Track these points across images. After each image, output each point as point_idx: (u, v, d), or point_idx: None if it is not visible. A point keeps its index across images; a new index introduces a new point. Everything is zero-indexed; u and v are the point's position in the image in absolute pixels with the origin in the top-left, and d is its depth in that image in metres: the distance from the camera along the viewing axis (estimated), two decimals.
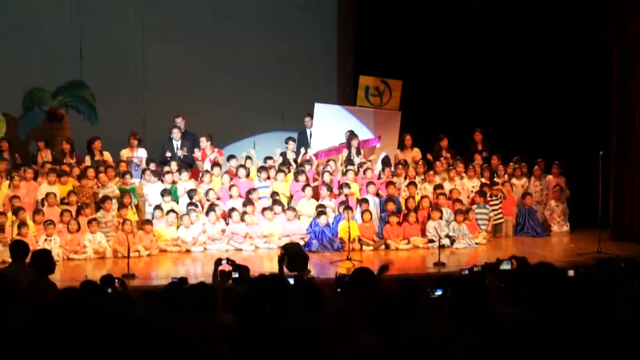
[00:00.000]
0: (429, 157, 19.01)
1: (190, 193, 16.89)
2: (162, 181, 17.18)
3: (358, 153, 18.30)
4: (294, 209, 16.76)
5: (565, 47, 19.40)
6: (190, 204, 16.67)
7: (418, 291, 6.43)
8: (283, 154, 18.44)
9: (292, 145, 18.52)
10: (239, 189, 17.15)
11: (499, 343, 4.00)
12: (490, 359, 3.75)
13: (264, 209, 16.70)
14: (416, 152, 19.05)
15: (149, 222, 16.09)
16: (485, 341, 3.99)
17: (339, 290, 7.81)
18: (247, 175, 17.64)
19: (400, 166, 18.29)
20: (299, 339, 4.73)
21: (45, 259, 9.16)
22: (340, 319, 5.53)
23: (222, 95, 20.50)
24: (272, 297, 5.73)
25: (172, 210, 16.46)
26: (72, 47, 19.39)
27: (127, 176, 16.86)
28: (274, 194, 17.22)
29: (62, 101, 18.79)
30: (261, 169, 17.80)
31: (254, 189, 17.14)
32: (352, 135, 18.36)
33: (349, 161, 17.94)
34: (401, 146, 19.09)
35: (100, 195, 16.30)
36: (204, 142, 18.12)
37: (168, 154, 17.93)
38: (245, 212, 16.50)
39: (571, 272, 8.03)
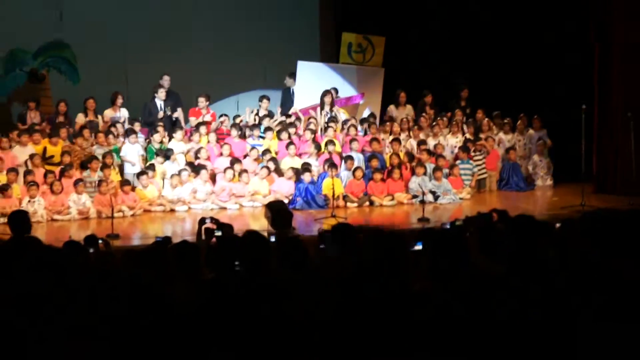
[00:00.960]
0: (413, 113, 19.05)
1: (168, 153, 16.84)
2: (151, 141, 17.12)
3: (331, 110, 18.25)
4: (294, 169, 16.71)
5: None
6: (187, 164, 16.65)
7: (400, 246, 6.43)
8: (256, 113, 18.42)
9: (265, 103, 18.48)
10: (230, 147, 17.12)
11: (478, 297, 4.02)
12: (469, 312, 3.77)
13: (262, 167, 16.69)
14: (409, 109, 19.07)
15: (127, 182, 16.05)
16: (464, 295, 4.01)
17: (322, 246, 7.81)
18: (241, 135, 17.67)
19: (389, 122, 18.33)
20: (276, 295, 4.74)
21: (21, 219, 9.14)
22: (322, 274, 5.55)
23: (204, 55, 20.39)
24: (249, 254, 5.73)
25: (144, 172, 16.38)
26: (52, 7, 19.23)
27: (110, 136, 16.80)
28: (266, 151, 17.20)
29: (43, 62, 18.64)
30: (254, 127, 17.79)
31: (254, 148, 17.15)
32: (325, 92, 18.28)
33: (331, 119, 17.95)
34: (396, 103, 19.07)
35: (93, 154, 16.28)
36: (202, 101, 18.07)
37: (160, 114, 17.83)
38: (244, 170, 16.47)
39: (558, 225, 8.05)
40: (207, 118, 18.03)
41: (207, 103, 18.21)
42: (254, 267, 5.57)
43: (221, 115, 18.20)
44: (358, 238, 6.57)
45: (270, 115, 18.40)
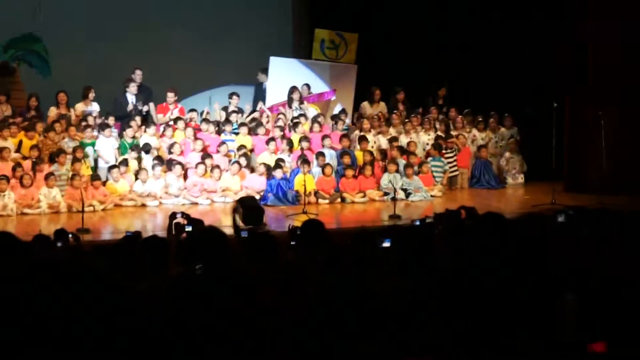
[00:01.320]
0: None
1: (145, 147, 16.80)
2: (122, 136, 17.05)
3: (299, 106, 18.27)
4: (266, 165, 16.69)
5: None
6: (155, 157, 16.59)
7: (370, 242, 6.46)
8: (225, 109, 18.37)
9: (235, 100, 18.45)
10: (203, 142, 17.08)
11: (444, 294, 4.03)
12: (433, 310, 3.78)
13: (233, 162, 16.67)
14: (382, 106, 19.10)
15: (98, 177, 15.98)
16: (429, 292, 4.02)
17: (292, 242, 7.83)
18: (216, 131, 17.64)
19: (362, 119, 18.35)
20: (239, 291, 4.73)
21: None
22: (291, 271, 5.55)
23: (177, 49, 20.33)
24: (209, 249, 5.73)
25: (116, 166, 16.31)
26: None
27: (89, 130, 16.73)
28: (241, 147, 17.18)
29: (13, 54, 18.54)
30: (226, 122, 17.76)
31: (224, 143, 17.12)
32: (292, 89, 18.28)
33: (301, 115, 17.97)
34: (370, 99, 19.08)
35: (62, 148, 16.20)
36: (171, 97, 18.00)
37: (130, 108, 17.74)
38: (216, 166, 16.44)
39: (561, 218, 8.08)
40: (175, 113, 17.97)
41: (176, 98, 18.12)
42: (214, 263, 5.56)
43: (190, 110, 18.11)
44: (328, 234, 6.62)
45: (239, 111, 18.35)
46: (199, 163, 16.48)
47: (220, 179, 16.48)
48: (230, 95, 18.53)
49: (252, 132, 17.65)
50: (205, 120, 17.74)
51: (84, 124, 16.97)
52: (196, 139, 17.15)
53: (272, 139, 17.22)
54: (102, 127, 16.86)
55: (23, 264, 4.99)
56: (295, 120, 17.74)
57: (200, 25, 20.66)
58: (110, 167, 16.25)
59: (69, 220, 14.29)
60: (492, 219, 5.50)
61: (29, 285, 4.18)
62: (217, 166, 16.51)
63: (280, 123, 17.75)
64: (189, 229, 8.89)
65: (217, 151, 17.04)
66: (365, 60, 19.26)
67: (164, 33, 20.22)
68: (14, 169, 15.30)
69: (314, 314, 4.37)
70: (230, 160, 16.87)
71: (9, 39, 18.52)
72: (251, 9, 21.13)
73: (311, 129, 17.79)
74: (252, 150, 17.48)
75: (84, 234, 12.33)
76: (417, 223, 8.45)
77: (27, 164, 15.61)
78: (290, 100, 18.21)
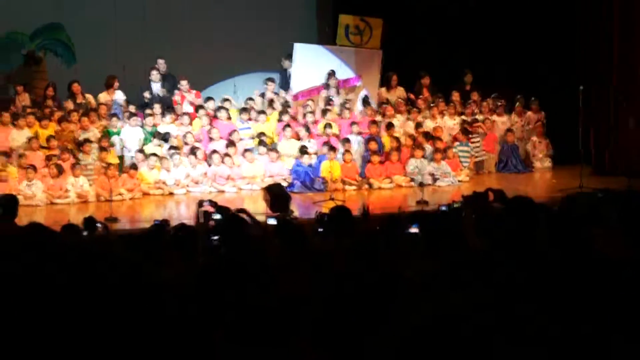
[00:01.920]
0: (411, 96, 18.99)
1: (166, 136, 16.82)
2: (143, 124, 17.10)
3: (337, 92, 18.28)
4: (276, 150, 16.73)
5: None
6: (171, 147, 16.62)
7: (397, 228, 6.45)
8: (262, 95, 18.36)
9: (272, 86, 18.43)
10: (219, 131, 17.10)
11: (474, 278, 4.02)
12: (464, 294, 3.76)
13: (246, 151, 16.68)
14: (400, 91, 19.03)
15: (135, 166, 16.03)
16: (459, 276, 4.01)
17: (320, 229, 7.83)
18: (228, 117, 17.59)
19: (384, 105, 18.30)
20: (269, 277, 4.74)
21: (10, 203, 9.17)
22: (319, 257, 5.55)
23: (200, 37, 20.31)
24: (230, 238, 5.73)
25: (154, 154, 16.40)
26: None
27: (114, 119, 16.79)
28: (261, 134, 17.19)
29: (39, 44, 18.58)
30: (242, 110, 17.74)
31: (235, 131, 17.11)
32: (330, 74, 18.28)
33: (328, 101, 17.93)
34: (387, 85, 19.04)
35: (81, 139, 16.26)
36: (184, 84, 18.02)
37: (147, 95, 17.79)
38: (227, 154, 16.48)
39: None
40: (191, 98, 17.99)
41: (188, 85, 18.12)
42: (237, 250, 5.57)
43: (207, 99, 18.10)
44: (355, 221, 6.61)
45: (277, 95, 18.32)
46: (212, 152, 16.48)
47: (240, 165, 16.45)
48: (266, 81, 18.49)
49: (280, 118, 17.60)
50: (222, 107, 17.67)
51: (110, 112, 17.01)
52: (211, 127, 17.15)
53: (288, 125, 17.19)
54: (129, 116, 16.92)
55: (52, 251, 5.02)
56: (326, 107, 17.69)
57: (223, 12, 20.59)
58: (149, 155, 16.28)
59: (97, 209, 14.35)
60: (521, 202, 5.47)
61: (55, 270, 4.20)
62: (227, 154, 16.47)
63: (308, 109, 17.71)
64: (217, 216, 8.90)
65: (229, 139, 16.96)
66: (390, 46, 19.15)
67: (186, 21, 20.18)
68: (47, 159, 15.37)
69: (338, 304, 4.37)
70: (244, 149, 16.83)
71: (34, 28, 18.53)
72: None
73: (341, 115, 17.74)
74: (272, 138, 17.47)
75: (113, 222, 12.41)
76: (444, 208, 8.43)
77: (40, 155, 15.68)
78: (327, 85, 18.21)
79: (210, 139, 17.09)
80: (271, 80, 18.51)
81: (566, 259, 4.62)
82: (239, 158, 16.66)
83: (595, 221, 5.91)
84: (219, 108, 17.63)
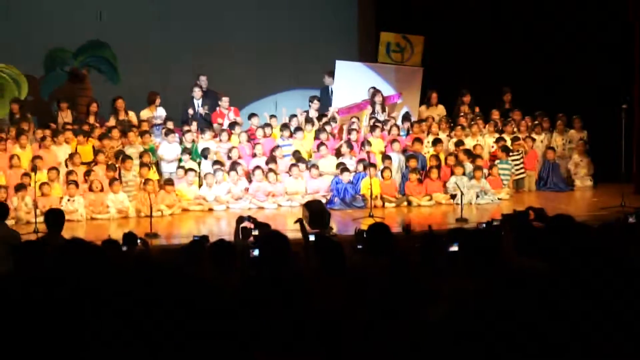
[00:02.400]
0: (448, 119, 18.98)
1: (204, 152, 16.91)
2: (182, 140, 17.20)
3: (383, 110, 18.31)
4: (317, 167, 16.75)
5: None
6: (215, 162, 16.69)
7: (437, 246, 6.42)
8: (306, 112, 18.42)
9: (316, 104, 18.47)
10: (263, 147, 17.17)
11: (513, 296, 3.99)
12: (502, 312, 3.74)
13: (292, 166, 16.72)
14: (441, 109, 19.02)
15: (171, 181, 16.13)
16: (498, 294, 3.99)
17: (359, 246, 7.82)
18: (270, 134, 17.67)
19: (424, 123, 18.28)
20: (307, 294, 4.74)
21: (56, 217, 9.28)
22: (357, 274, 5.55)
23: (242, 54, 20.44)
24: (273, 253, 5.72)
25: (192, 169, 16.47)
26: (91, 6, 19.34)
27: (147, 135, 16.91)
28: (297, 151, 17.24)
29: (83, 61, 18.78)
30: (283, 127, 17.79)
31: (278, 147, 17.18)
32: (375, 91, 18.32)
33: (374, 118, 17.96)
34: (427, 103, 19.03)
35: (126, 152, 16.42)
36: (226, 101, 18.14)
37: (190, 112, 17.94)
38: (271, 170, 16.51)
39: (632, 219, 7.99)
40: (232, 116, 18.10)
41: (228, 102, 18.23)
42: (276, 268, 5.56)
43: (251, 116, 18.20)
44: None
45: (321, 115, 18.36)
46: (255, 167, 16.54)
47: (277, 182, 16.49)
48: (311, 99, 18.55)
49: (316, 135, 17.65)
50: (267, 124, 17.75)
51: (146, 129, 17.16)
52: (256, 143, 17.22)
53: (323, 143, 17.22)
54: (167, 133, 17.04)
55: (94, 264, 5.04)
56: (376, 124, 17.70)
57: (266, 30, 20.72)
58: (187, 171, 16.37)
59: (137, 225, 14.45)
60: (562, 220, 5.42)
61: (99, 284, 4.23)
62: (271, 170, 16.53)
63: (354, 126, 17.73)
64: (256, 233, 8.91)
65: (272, 155, 17.04)
66: (431, 63, 19.15)
67: (228, 38, 20.31)
68: (87, 174, 15.53)
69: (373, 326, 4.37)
70: (290, 164, 16.88)
71: (78, 46, 18.73)
72: (316, 12, 21.14)
73: (390, 132, 17.76)
74: (311, 155, 17.51)
75: (153, 238, 12.47)
76: (484, 226, 8.40)
77: (81, 170, 15.85)
78: (372, 103, 18.24)
79: (254, 154, 17.15)
80: (317, 98, 18.55)
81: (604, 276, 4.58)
82: (282, 174, 16.69)
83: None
84: (265, 125, 17.69)
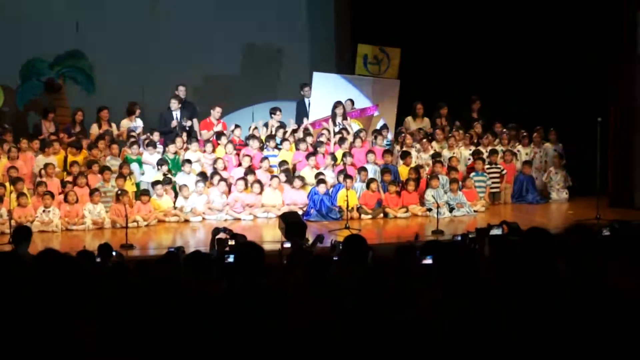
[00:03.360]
0: (429, 130, 19.03)
1: (184, 164, 16.88)
2: (165, 152, 17.16)
3: (344, 119, 18.26)
4: (302, 178, 16.74)
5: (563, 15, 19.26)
6: (199, 174, 16.67)
7: (411, 258, 6.45)
8: (266, 125, 18.43)
9: (278, 116, 18.48)
10: (252, 158, 17.15)
11: (485, 309, 4.01)
12: (474, 324, 3.76)
13: (272, 177, 16.71)
14: (426, 122, 19.07)
15: (146, 192, 16.11)
16: (470, 307, 4.01)
17: (335, 258, 7.83)
18: (260, 146, 17.70)
19: (402, 134, 18.31)
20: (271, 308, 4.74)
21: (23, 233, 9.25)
22: (332, 285, 5.55)
23: (220, 65, 20.47)
24: (248, 262, 5.72)
25: (159, 182, 16.40)
26: (69, 17, 19.29)
27: (135, 146, 16.87)
28: (283, 162, 17.25)
29: (59, 71, 18.74)
30: (269, 137, 17.80)
31: (266, 158, 17.18)
32: (336, 104, 18.27)
33: (343, 130, 17.97)
34: (414, 115, 19.06)
35: (106, 164, 16.40)
36: (218, 112, 18.12)
37: (174, 124, 17.87)
38: (257, 181, 16.49)
39: (606, 232, 8.02)
40: (219, 128, 18.08)
41: (220, 114, 18.23)
42: (250, 279, 5.56)
43: (235, 127, 18.19)
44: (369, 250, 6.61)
45: (282, 126, 18.39)
46: (239, 178, 16.52)
47: (262, 194, 16.50)
48: (273, 111, 18.56)
49: (296, 146, 17.65)
50: (252, 136, 17.74)
51: (131, 140, 17.10)
52: (242, 155, 17.21)
53: (313, 153, 17.24)
54: (148, 143, 17.01)
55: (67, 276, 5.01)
56: (340, 136, 17.72)
57: (242, 42, 20.76)
58: (154, 183, 16.34)
59: (112, 236, 14.40)
60: (536, 233, 5.45)
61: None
62: (258, 181, 16.54)
63: (323, 138, 17.75)
64: (231, 242, 8.93)
65: (259, 167, 17.09)
66: (407, 76, 19.21)
67: (206, 49, 20.32)
68: (63, 186, 15.47)
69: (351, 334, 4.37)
70: (272, 176, 16.90)
71: (55, 56, 18.69)
72: (294, 24, 21.19)
73: (353, 144, 17.77)
74: (294, 166, 17.50)
75: (128, 249, 12.45)
76: (459, 238, 8.44)
77: (56, 181, 15.83)
78: (333, 115, 18.21)
79: (240, 164, 17.14)
80: (278, 109, 18.55)
81: (580, 291, 4.60)
82: (261, 186, 16.67)
83: (610, 253, 5.89)
84: (251, 137, 17.68)
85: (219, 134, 17.78)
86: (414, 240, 7.75)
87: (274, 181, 16.62)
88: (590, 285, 4.62)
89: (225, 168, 17.06)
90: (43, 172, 15.82)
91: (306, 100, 18.90)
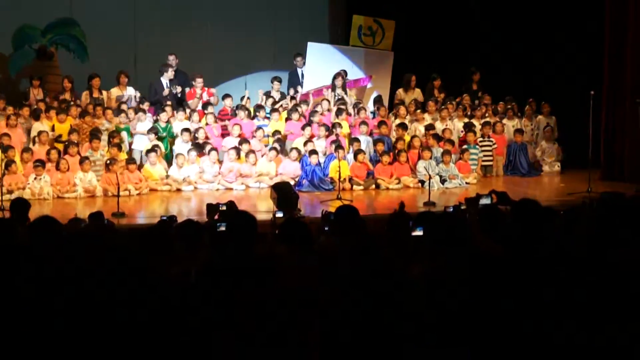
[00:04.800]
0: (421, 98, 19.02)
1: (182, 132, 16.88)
2: (157, 120, 17.11)
3: (345, 93, 18.24)
4: (299, 150, 16.71)
5: None
6: (193, 143, 16.65)
7: (403, 229, 6.45)
8: (267, 94, 18.36)
9: (277, 85, 18.45)
10: (241, 128, 17.11)
11: (479, 277, 4.03)
12: (468, 293, 3.78)
13: (271, 149, 16.70)
14: (418, 93, 19.04)
15: (133, 161, 16.06)
16: (464, 276, 4.02)
17: (326, 228, 7.83)
18: (250, 115, 17.65)
19: (400, 106, 18.29)
20: (274, 275, 4.75)
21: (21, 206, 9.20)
22: (324, 255, 5.56)
23: (212, 35, 20.38)
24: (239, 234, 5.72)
25: (153, 150, 16.38)
26: None
27: (123, 115, 16.82)
28: (276, 132, 17.23)
29: (51, 39, 18.63)
30: (258, 107, 17.76)
31: (260, 128, 17.15)
32: (336, 75, 18.23)
33: (340, 101, 17.93)
34: (406, 86, 19.03)
35: (104, 131, 16.37)
36: (199, 82, 18.03)
37: (166, 92, 17.80)
38: (252, 151, 16.47)
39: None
40: (205, 97, 18.01)
41: (202, 82, 18.14)
42: (244, 247, 5.55)
43: (225, 96, 18.13)
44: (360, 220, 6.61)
45: (283, 96, 18.35)
46: (232, 148, 16.49)
47: (256, 164, 16.50)
48: (272, 80, 18.51)
49: (289, 116, 17.60)
50: (242, 106, 17.71)
51: (120, 108, 17.05)
52: (234, 124, 17.16)
53: (308, 124, 17.20)
54: (137, 111, 16.97)
55: (59, 240, 5.02)
56: (340, 107, 17.68)
57: (235, 11, 20.67)
58: (148, 151, 16.31)
59: (104, 204, 14.36)
60: (526, 204, 5.46)
61: (61, 260, 4.22)
62: (252, 151, 16.52)
63: (318, 108, 17.72)
64: (223, 208, 8.93)
65: (253, 136, 17.07)
66: (401, 47, 19.17)
67: (199, 19, 20.25)
68: (47, 153, 15.41)
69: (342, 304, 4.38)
70: (265, 146, 16.88)
71: (47, 23, 18.57)
72: None
73: (357, 116, 17.74)
74: (286, 136, 17.49)
75: (120, 218, 12.44)
76: (451, 209, 8.44)
77: (61, 148, 15.79)
78: (333, 86, 18.17)
79: (223, 135, 17.11)
80: (278, 79, 18.51)
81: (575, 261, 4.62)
82: (257, 156, 16.65)
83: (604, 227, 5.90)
84: (240, 107, 17.64)
85: (205, 104, 17.72)
86: (399, 209, 7.74)
87: (271, 152, 16.60)
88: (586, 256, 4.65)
89: (206, 137, 17.02)
90: (36, 139, 15.80)
91: (299, 70, 18.84)
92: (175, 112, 17.31)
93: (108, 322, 3.69)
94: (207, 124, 17.33)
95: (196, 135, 16.92)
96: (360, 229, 6.67)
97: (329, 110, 17.79)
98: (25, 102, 17.01)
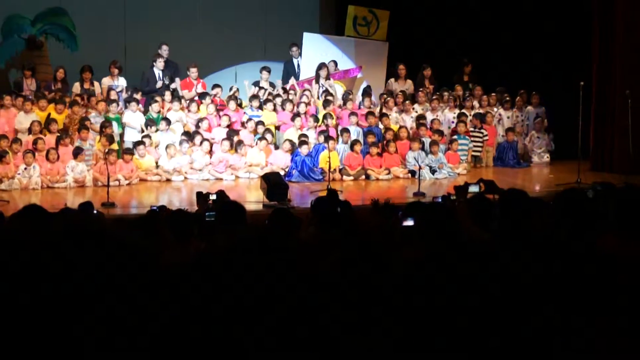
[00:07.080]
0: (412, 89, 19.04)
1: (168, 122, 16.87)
2: (148, 110, 17.10)
3: (327, 79, 18.20)
4: (292, 142, 16.72)
5: None
6: (184, 134, 16.65)
7: (391, 219, 6.47)
8: (256, 83, 18.33)
9: (266, 75, 18.41)
10: (229, 118, 17.10)
11: (469, 265, 4.03)
12: (458, 281, 3.78)
13: (261, 139, 16.69)
14: (409, 84, 19.04)
15: (130, 151, 16.06)
16: (454, 264, 4.02)
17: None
18: (240, 105, 17.64)
19: (384, 96, 18.29)
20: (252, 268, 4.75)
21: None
22: (309, 245, 5.57)
23: (203, 25, 20.34)
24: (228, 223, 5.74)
25: (142, 142, 16.38)
26: None
27: (113, 105, 16.80)
28: (259, 123, 17.24)
29: (41, 28, 18.57)
30: (252, 98, 17.74)
31: (250, 119, 17.15)
32: (320, 65, 18.22)
33: (325, 92, 17.92)
34: (396, 76, 19.04)
35: (94, 122, 16.34)
36: (194, 72, 18.00)
37: (159, 84, 17.77)
38: (240, 142, 16.47)
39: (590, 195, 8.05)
40: (199, 89, 18.00)
41: (197, 73, 18.14)
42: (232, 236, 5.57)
43: (214, 86, 18.12)
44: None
45: (271, 86, 18.34)
46: (224, 139, 16.50)
47: (246, 154, 16.51)
48: (261, 70, 18.47)
49: (281, 107, 17.60)
50: (233, 97, 17.70)
51: (111, 98, 17.02)
52: (223, 114, 17.16)
53: (298, 114, 17.20)
54: (128, 101, 16.95)
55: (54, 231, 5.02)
56: (327, 97, 17.67)
57: (226, 0, 20.65)
58: (137, 143, 16.30)
59: (94, 194, 14.36)
60: (514, 194, 5.50)
61: (56, 250, 4.22)
62: (241, 141, 16.52)
63: (304, 99, 17.72)
64: (213, 197, 8.96)
65: (244, 127, 17.07)
66: (396, 38, 19.19)
67: (190, 8, 20.22)
68: (34, 143, 15.36)
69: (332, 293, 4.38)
70: (255, 136, 16.89)
71: (36, 12, 18.51)
72: None
73: (344, 107, 17.74)
74: (278, 127, 17.49)
75: (110, 208, 12.43)
76: (439, 200, 8.48)
77: (50, 138, 15.74)
78: (317, 77, 18.16)
79: (219, 125, 17.12)
80: (266, 69, 18.49)
81: (564, 251, 4.64)
82: (246, 146, 16.66)
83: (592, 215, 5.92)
84: (232, 97, 17.63)
85: (202, 95, 17.71)
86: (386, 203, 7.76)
87: (262, 142, 16.60)
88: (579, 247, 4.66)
89: (209, 128, 17.03)
90: (33, 129, 15.77)
91: (294, 60, 18.84)
92: (169, 102, 17.28)
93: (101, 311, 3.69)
94: (208, 113, 17.30)
95: (199, 125, 16.90)
96: (342, 218, 6.69)
97: (309, 103, 17.73)
98: (19, 92, 16.94)
